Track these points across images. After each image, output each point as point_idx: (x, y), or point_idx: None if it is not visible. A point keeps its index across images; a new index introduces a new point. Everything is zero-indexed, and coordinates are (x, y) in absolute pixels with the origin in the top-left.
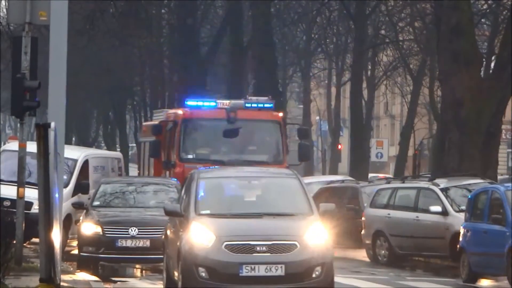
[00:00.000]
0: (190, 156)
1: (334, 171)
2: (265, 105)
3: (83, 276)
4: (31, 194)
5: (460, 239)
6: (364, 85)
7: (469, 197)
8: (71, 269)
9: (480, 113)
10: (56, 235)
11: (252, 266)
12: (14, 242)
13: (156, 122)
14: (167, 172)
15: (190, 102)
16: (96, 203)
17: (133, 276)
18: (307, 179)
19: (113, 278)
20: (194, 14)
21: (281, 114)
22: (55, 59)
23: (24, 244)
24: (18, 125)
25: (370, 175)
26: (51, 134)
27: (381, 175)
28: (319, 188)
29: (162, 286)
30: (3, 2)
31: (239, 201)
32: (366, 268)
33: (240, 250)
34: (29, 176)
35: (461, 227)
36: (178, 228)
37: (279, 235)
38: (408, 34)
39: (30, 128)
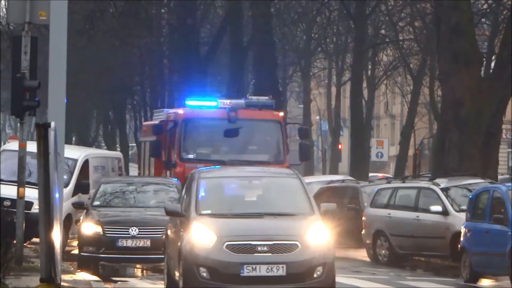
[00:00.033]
0: (190, 156)
1: (334, 171)
2: (266, 105)
3: (83, 276)
4: (31, 194)
5: (461, 239)
6: (364, 84)
7: (470, 196)
8: (72, 269)
9: (480, 113)
10: (56, 235)
11: (253, 266)
12: (15, 242)
13: (157, 122)
14: (168, 172)
15: (191, 102)
16: (96, 203)
17: (133, 276)
18: (307, 179)
19: (114, 278)
20: (194, 14)
21: (281, 114)
22: (55, 58)
23: (25, 244)
24: (18, 124)
25: (370, 174)
26: (51, 134)
27: (379, 175)
28: (319, 188)
29: (163, 286)
30: (2, 2)
31: (240, 201)
32: (366, 268)
33: (241, 250)
34: (29, 176)
35: (462, 227)
36: (179, 228)
37: (280, 235)
38: (408, 33)
39: (30, 127)
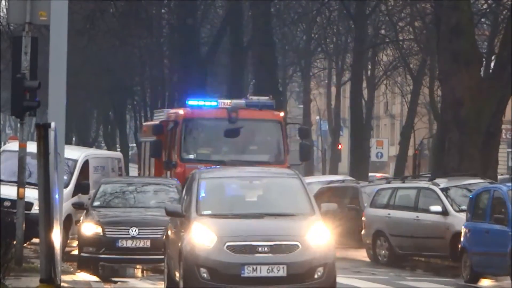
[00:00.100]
0: (191, 156)
1: (334, 171)
2: (266, 105)
3: (83, 276)
4: (31, 194)
5: (462, 239)
6: (364, 84)
7: (470, 196)
8: (72, 269)
9: (480, 113)
10: (56, 235)
11: (254, 266)
12: (15, 242)
13: (157, 122)
14: (168, 172)
15: (191, 102)
16: (96, 203)
17: (133, 276)
18: (307, 179)
19: (114, 279)
20: (194, 14)
21: (282, 114)
22: (55, 59)
23: (25, 245)
24: (18, 125)
25: (369, 174)
26: (51, 134)
27: (378, 175)
28: (319, 188)
29: (163, 287)
30: (3, 2)
31: (240, 202)
32: (366, 268)
33: (241, 250)
34: (29, 177)
35: (463, 226)
36: (179, 229)
37: (281, 235)
38: (408, 33)
39: (30, 128)
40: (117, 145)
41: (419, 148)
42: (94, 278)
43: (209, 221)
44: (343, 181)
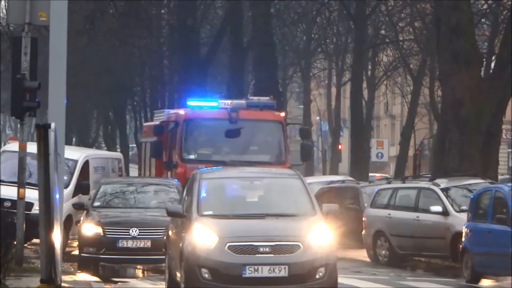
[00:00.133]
0: (191, 157)
1: (334, 171)
2: (267, 105)
3: (84, 276)
4: (32, 194)
5: (463, 239)
6: (364, 85)
7: (472, 197)
8: (72, 269)
9: (480, 113)
10: (56, 235)
11: (255, 267)
12: (15, 243)
13: (158, 122)
14: (169, 173)
15: (192, 102)
16: (96, 203)
17: (134, 276)
18: (307, 179)
19: (114, 279)
20: (194, 15)
21: (283, 114)
22: (55, 59)
23: (25, 245)
24: (18, 125)
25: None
26: (51, 135)
27: (377, 175)
28: (320, 189)
29: (164, 287)
30: (2, 3)
31: (241, 202)
32: (366, 268)
33: (243, 251)
34: (30, 177)
35: (464, 227)
36: (180, 229)
37: (282, 235)
38: (408, 34)
39: (30, 128)
40: (117, 146)
41: (419, 148)
42: (95, 279)
43: (210, 221)
44: (343, 181)
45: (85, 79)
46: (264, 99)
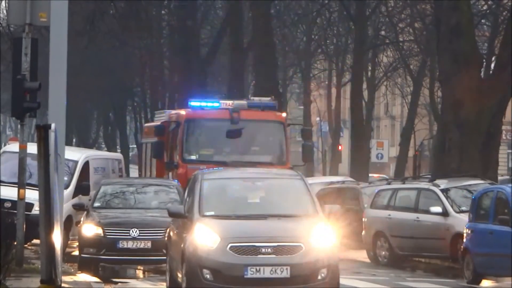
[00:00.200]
0: (193, 157)
1: (334, 172)
2: (268, 106)
3: (84, 277)
4: (32, 195)
5: (464, 239)
6: (365, 86)
7: (473, 197)
8: (72, 270)
9: (480, 114)
10: (56, 236)
11: (257, 268)
12: (15, 243)
13: (158, 123)
14: (170, 173)
15: (193, 103)
16: (96, 204)
17: (134, 277)
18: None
19: (114, 280)
20: (194, 15)
21: (284, 115)
22: (55, 60)
23: (25, 246)
24: (19, 126)
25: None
26: (52, 136)
27: (375, 175)
28: (320, 189)
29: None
30: (3, 3)
31: (243, 202)
32: (366, 269)
33: (245, 251)
34: (30, 178)
35: (465, 227)
36: (182, 230)
37: (284, 236)
38: (408, 35)
39: (31, 129)
40: (117, 146)
41: (419, 149)
42: (95, 279)
43: (212, 222)
44: (343, 182)
45: (86, 80)
46: (266, 99)
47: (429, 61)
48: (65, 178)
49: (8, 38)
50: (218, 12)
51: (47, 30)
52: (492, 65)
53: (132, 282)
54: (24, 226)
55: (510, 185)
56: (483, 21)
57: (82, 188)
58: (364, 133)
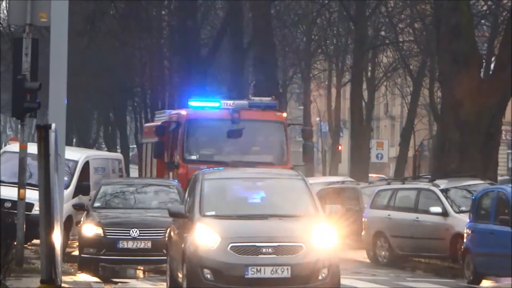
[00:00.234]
0: (193, 157)
1: (334, 172)
2: (269, 106)
3: (84, 277)
4: (32, 195)
5: (465, 239)
6: (364, 86)
7: (473, 197)
8: (72, 270)
9: (480, 114)
10: (57, 236)
11: (258, 268)
12: (15, 243)
13: (159, 123)
14: (170, 173)
15: (194, 103)
16: (96, 204)
17: (134, 277)
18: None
19: (114, 280)
20: (194, 15)
21: (284, 115)
22: (56, 60)
23: (25, 246)
24: (19, 126)
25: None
26: (52, 136)
27: (374, 175)
28: (319, 189)
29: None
30: (3, 4)
31: (244, 203)
32: (366, 269)
33: (245, 251)
34: (30, 178)
35: (465, 227)
36: (182, 230)
37: (285, 236)
38: (408, 35)
39: (31, 129)
40: (118, 146)
41: (419, 149)
42: (95, 279)
43: (213, 222)
44: (343, 182)
45: (86, 80)
46: (266, 99)
47: (429, 61)
48: (65, 178)
49: (9, 39)
50: (218, 12)
51: (47, 30)
52: (492, 66)
53: (132, 282)
54: (24, 226)
55: (510, 185)
56: (483, 21)
57: (82, 188)
58: (364, 133)
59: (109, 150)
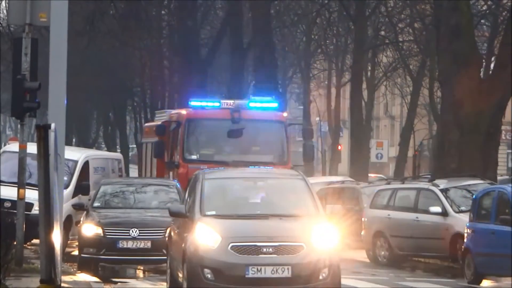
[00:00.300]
0: (193, 157)
1: (334, 172)
2: (269, 105)
3: (83, 277)
4: (32, 195)
5: (465, 239)
6: (364, 86)
7: (474, 197)
8: (72, 270)
9: (480, 114)
10: (56, 236)
11: (258, 267)
12: (15, 243)
13: (159, 123)
14: (171, 173)
15: (194, 102)
16: (96, 204)
17: (134, 277)
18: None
19: (114, 279)
20: (194, 15)
21: (285, 114)
22: (55, 60)
23: (25, 245)
24: (19, 126)
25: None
26: (52, 135)
27: (373, 175)
28: (319, 189)
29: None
30: (3, 3)
31: (244, 202)
32: (366, 268)
33: (246, 251)
34: (30, 177)
35: (466, 227)
36: (183, 229)
37: (286, 236)
38: (408, 35)
39: (31, 129)
40: (117, 146)
41: (418, 149)
42: (95, 279)
43: (213, 221)
44: (343, 182)
45: (85, 80)
46: (266, 99)
47: (429, 61)
48: (65, 178)
49: (8, 38)
50: (218, 12)
51: (47, 30)
52: (492, 65)
53: (132, 282)
54: (24, 226)
55: (511, 185)
56: (482, 21)
57: (82, 188)
58: (364, 133)
59: (108, 150)
